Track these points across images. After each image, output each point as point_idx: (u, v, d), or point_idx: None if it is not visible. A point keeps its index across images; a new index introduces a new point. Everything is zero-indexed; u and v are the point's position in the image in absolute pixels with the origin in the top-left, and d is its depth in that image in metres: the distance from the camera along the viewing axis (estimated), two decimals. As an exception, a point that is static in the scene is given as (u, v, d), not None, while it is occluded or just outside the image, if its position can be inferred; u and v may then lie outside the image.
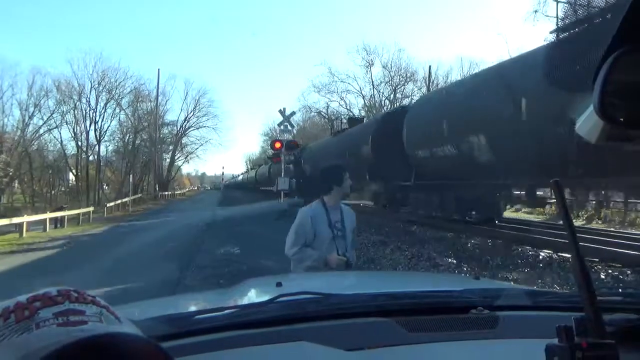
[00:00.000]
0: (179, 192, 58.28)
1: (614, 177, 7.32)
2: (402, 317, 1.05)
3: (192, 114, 46.44)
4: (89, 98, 38.16)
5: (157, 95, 41.65)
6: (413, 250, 8.21)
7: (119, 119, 41.01)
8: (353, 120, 21.55)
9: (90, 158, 39.38)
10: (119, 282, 5.91)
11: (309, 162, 20.50)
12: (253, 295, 1.72)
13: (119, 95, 39.66)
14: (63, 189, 39.93)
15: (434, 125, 10.44)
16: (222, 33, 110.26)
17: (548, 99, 6.95)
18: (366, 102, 41.06)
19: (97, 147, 39.13)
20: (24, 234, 13.95)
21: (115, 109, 39.90)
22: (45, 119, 36.38)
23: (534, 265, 7.02)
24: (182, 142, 48.14)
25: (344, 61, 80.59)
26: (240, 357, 0.93)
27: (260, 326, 1.01)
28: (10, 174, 32.79)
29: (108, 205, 25.67)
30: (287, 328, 1.02)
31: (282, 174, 18.86)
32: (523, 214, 18.39)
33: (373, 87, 40.59)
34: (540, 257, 7.58)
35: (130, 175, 37.81)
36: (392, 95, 39.78)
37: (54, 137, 38.01)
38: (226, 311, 1.12)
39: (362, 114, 38.51)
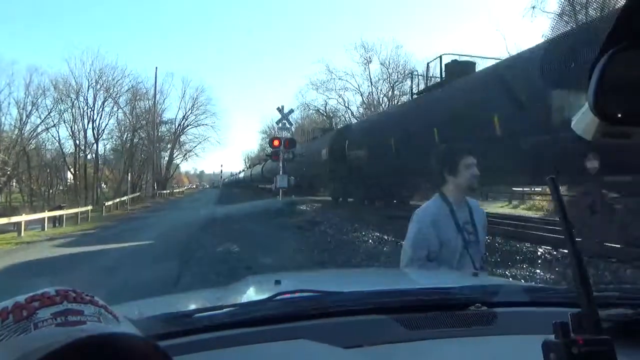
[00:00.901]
0: (177, 190, 58.19)
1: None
2: (400, 314, 1.05)
3: (190, 112, 46.40)
4: (87, 96, 38.06)
5: (155, 94, 41.63)
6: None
7: (117, 117, 40.92)
8: (324, 130, 24.71)
9: (89, 157, 39.34)
10: (119, 280, 5.92)
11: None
12: (252, 293, 1.72)
13: (116, 94, 39.56)
14: (61, 187, 39.81)
15: (365, 141, 14.71)
16: (220, 31, 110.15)
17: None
18: (364, 99, 41.06)
19: (95, 145, 39.12)
20: (22, 233, 13.93)
21: (113, 108, 39.80)
22: (42, 117, 36.32)
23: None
24: (181, 140, 48.10)
25: (342, 58, 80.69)
26: (239, 355, 0.93)
27: (259, 324, 1.01)
28: (8, 173, 32.71)
29: (106, 204, 25.64)
30: (285, 326, 1.02)
31: (281, 171, 18.87)
32: (521, 210, 18.46)
33: (371, 84, 40.54)
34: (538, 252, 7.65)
35: (129, 174, 37.75)
36: (390, 92, 39.76)
37: (52, 135, 37.94)
38: (225, 309, 1.12)
39: (361, 111, 38.55)
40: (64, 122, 37.58)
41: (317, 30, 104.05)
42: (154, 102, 41.74)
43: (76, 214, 19.43)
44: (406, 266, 2.16)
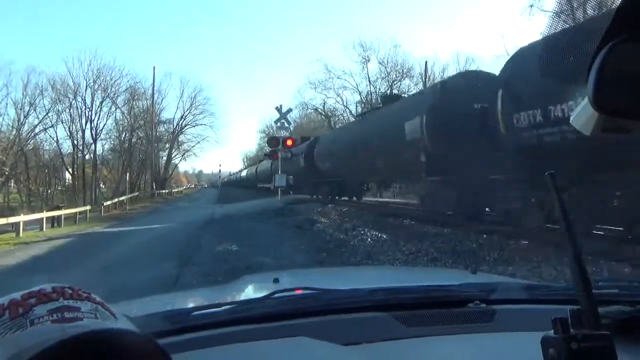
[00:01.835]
0: (176, 190, 58.15)
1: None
2: (399, 311, 1.05)
3: (188, 111, 46.25)
4: (85, 96, 37.91)
5: (153, 93, 41.50)
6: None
7: (115, 117, 40.81)
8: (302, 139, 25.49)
9: (87, 157, 39.25)
10: (119, 279, 5.92)
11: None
12: (250, 291, 1.72)
13: (114, 94, 39.44)
14: (59, 188, 39.73)
15: (328, 151, 18.96)
16: (218, 31, 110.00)
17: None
18: (362, 98, 41.06)
19: (93, 145, 39.02)
20: (21, 234, 13.90)
21: (111, 107, 39.70)
22: (40, 117, 36.16)
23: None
24: (179, 139, 48.00)
25: (340, 57, 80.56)
26: (237, 353, 0.93)
27: (258, 322, 1.01)
28: (6, 173, 32.64)
29: (105, 204, 25.57)
30: (284, 323, 1.02)
31: (279, 170, 18.89)
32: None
33: (369, 83, 40.61)
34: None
35: (127, 174, 37.68)
36: (388, 91, 39.74)
37: (50, 136, 37.81)
38: (224, 307, 1.12)
39: (359, 110, 38.53)
40: (62, 122, 37.53)
41: (315, 29, 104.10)
42: (152, 101, 41.67)
43: (74, 214, 19.38)
44: None
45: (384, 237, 9.04)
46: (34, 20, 66.31)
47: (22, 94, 35.18)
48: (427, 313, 1.06)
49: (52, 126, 37.00)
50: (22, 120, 35.22)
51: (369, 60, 40.19)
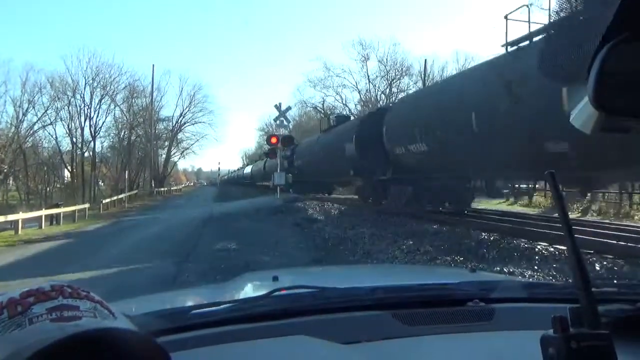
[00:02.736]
0: (175, 188, 58.07)
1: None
2: (398, 310, 1.05)
3: (187, 109, 46.22)
4: (84, 94, 37.84)
5: (152, 91, 41.44)
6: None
7: (114, 115, 40.73)
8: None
9: (86, 154, 39.19)
10: (117, 278, 5.91)
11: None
12: (249, 290, 1.72)
13: (113, 91, 39.35)
14: (58, 185, 39.68)
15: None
16: (218, 29, 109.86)
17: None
18: (362, 96, 41.05)
19: (92, 143, 38.97)
20: (20, 231, 13.88)
21: (110, 105, 39.64)
22: (39, 115, 36.10)
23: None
24: (178, 137, 47.97)
25: (339, 56, 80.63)
26: (237, 351, 0.93)
27: (257, 320, 1.01)
28: (5, 171, 32.61)
29: (104, 201, 25.53)
30: (283, 322, 1.02)
31: (278, 169, 18.89)
32: (518, 207, 18.51)
33: (369, 81, 40.57)
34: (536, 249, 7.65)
35: (126, 172, 37.63)
36: (387, 90, 39.76)
37: (49, 133, 37.74)
38: (223, 306, 1.12)
39: (358, 109, 38.55)
40: (61, 119, 37.46)
41: (314, 27, 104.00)
42: (151, 99, 41.61)
43: (73, 211, 19.35)
44: None
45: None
46: (32, 18, 66.20)
47: (21, 91, 35.19)
48: (426, 312, 1.06)
49: (50, 124, 37.02)
50: (20, 117, 35.22)
51: (368, 59, 40.23)
